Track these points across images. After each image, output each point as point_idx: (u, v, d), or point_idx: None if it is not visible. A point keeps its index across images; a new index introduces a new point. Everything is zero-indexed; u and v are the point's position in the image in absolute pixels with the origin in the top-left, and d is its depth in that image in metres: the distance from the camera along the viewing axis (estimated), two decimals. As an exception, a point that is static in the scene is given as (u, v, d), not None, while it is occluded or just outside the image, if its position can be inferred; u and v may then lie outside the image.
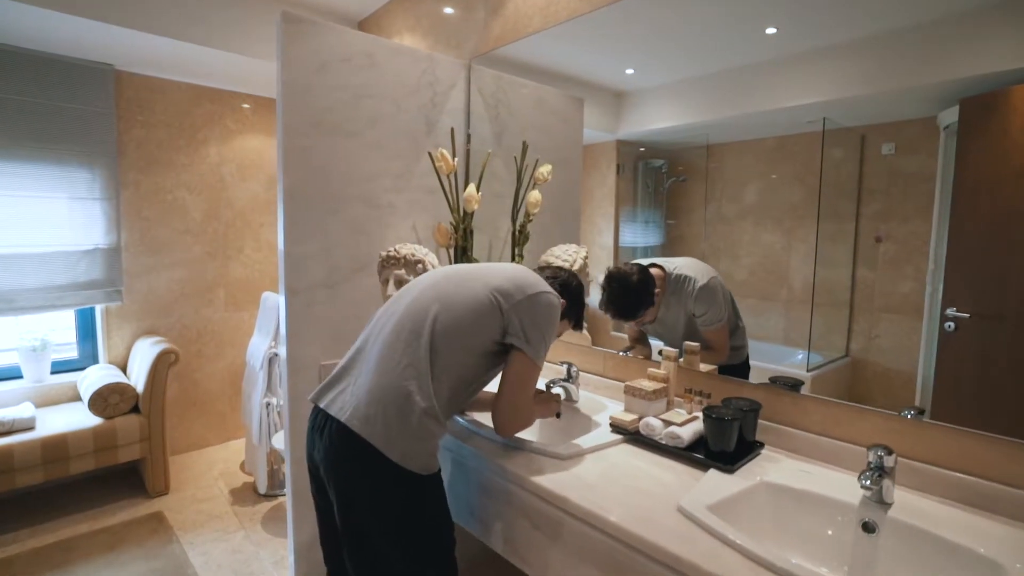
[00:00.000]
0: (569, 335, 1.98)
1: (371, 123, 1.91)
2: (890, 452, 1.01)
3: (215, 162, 3.28)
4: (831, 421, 1.27)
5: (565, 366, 1.71)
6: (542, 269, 1.45)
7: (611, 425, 1.41)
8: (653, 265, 1.66)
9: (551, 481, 1.16)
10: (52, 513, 2.59)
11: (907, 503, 1.05)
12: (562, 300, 1.33)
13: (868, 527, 1.02)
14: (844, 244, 1.35)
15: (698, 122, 1.69)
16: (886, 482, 1.01)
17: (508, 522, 1.25)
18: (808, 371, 1.42)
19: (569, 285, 1.40)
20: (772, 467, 1.21)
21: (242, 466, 3.15)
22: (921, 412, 1.18)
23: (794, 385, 1.41)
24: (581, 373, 1.80)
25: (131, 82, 2.95)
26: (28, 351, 2.77)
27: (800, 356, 1.46)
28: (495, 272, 1.27)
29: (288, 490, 1.86)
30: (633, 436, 1.37)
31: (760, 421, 1.34)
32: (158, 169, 3.08)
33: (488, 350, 1.21)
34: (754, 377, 1.50)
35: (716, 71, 1.60)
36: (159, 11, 2.42)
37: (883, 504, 1.03)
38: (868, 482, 1.00)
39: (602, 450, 1.32)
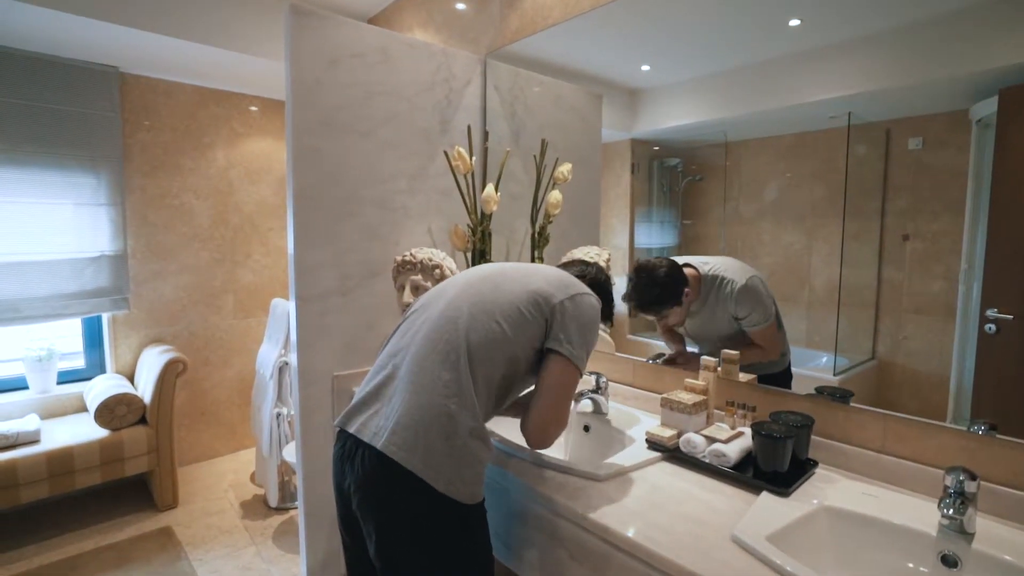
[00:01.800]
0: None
1: (384, 121, 1.83)
2: (973, 477, 0.90)
3: (222, 166, 3.21)
4: (892, 437, 1.16)
5: (593, 376, 1.61)
6: (566, 265, 1.36)
7: (648, 441, 1.31)
8: (687, 265, 1.57)
9: (589, 506, 1.06)
10: (59, 529, 2.52)
11: (991, 533, 0.94)
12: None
13: (949, 561, 0.91)
14: (869, 243, 1.29)
15: (715, 119, 1.63)
16: (970, 510, 0.90)
17: (543, 552, 1.15)
18: (835, 375, 1.36)
19: (599, 281, 1.32)
20: (830, 489, 1.10)
21: (252, 477, 3.07)
22: (994, 427, 1.08)
23: (843, 396, 1.31)
24: (609, 383, 1.70)
25: (136, 84, 2.88)
26: (34, 361, 2.71)
27: (825, 359, 1.40)
28: (532, 274, 1.18)
29: (300, 508, 1.77)
30: (672, 453, 1.26)
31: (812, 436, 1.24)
32: (164, 173, 3.01)
33: (529, 357, 1.11)
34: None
35: (735, 66, 1.54)
36: (163, 9, 2.35)
37: (964, 534, 0.92)
38: (951, 511, 0.89)
39: (640, 469, 1.22)
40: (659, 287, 1.51)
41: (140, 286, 2.98)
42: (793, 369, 1.43)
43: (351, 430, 1.06)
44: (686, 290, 1.51)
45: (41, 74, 2.59)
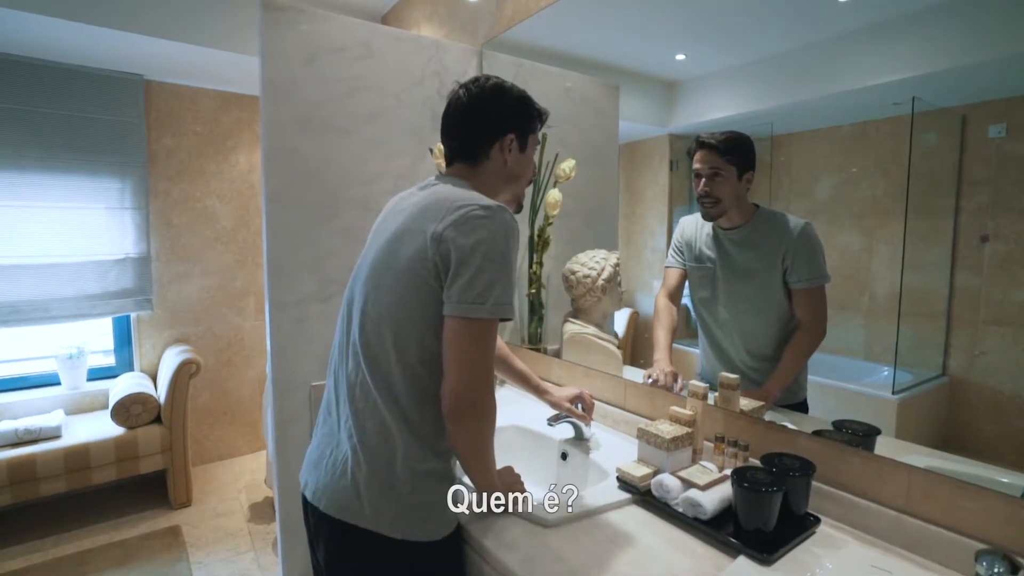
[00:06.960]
0: (585, 356, 1.70)
1: (368, 119, 1.73)
2: (1015, 569, 0.67)
3: (244, 169, 3.25)
4: (920, 494, 0.92)
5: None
6: None
7: (618, 479, 1.12)
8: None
9: (521, 559, 0.89)
10: (79, 523, 2.60)
11: (1040, 640, 0.70)
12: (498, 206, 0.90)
13: (976, 675, 0.69)
14: (940, 245, 1.14)
15: (761, 110, 1.47)
16: (1005, 612, 0.67)
17: (470, 609, 1.00)
18: (894, 393, 1.18)
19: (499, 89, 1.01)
20: (831, 558, 0.88)
21: (266, 480, 3.07)
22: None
23: (867, 434, 1.07)
24: (597, 404, 1.52)
25: (160, 91, 2.96)
26: (65, 359, 2.82)
27: (885, 373, 1.22)
28: (398, 239, 0.93)
29: (277, 523, 1.70)
30: (643, 496, 1.07)
31: (817, 484, 1.01)
32: (188, 177, 3.08)
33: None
34: (821, 409, 1.22)
35: (781, 51, 1.39)
36: (184, 18, 2.39)
37: (1000, 640, 0.69)
38: (976, 612, 0.66)
39: (602, 514, 1.04)
40: (737, 138, 1.35)
41: (164, 287, 3.06)
42: (848, 385, 1.25)
43: (302, 483, 1.04)
44: (750, 174, 1.34)
45: (73, 84, 2.70)
